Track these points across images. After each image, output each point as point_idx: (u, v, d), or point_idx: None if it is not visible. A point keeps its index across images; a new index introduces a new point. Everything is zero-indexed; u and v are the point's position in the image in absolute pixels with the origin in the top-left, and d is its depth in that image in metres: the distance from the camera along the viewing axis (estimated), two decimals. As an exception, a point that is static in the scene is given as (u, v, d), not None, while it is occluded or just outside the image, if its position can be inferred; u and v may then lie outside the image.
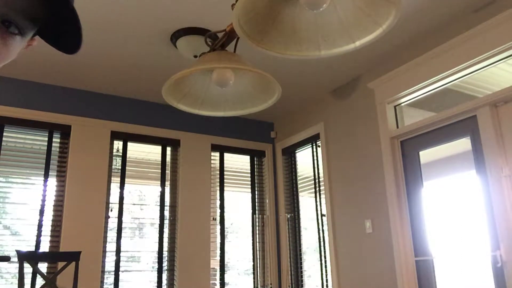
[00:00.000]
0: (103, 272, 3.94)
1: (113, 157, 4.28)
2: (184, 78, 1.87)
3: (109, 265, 4.00)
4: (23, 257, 3.28)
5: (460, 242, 3.15)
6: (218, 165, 4.86)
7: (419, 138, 3.46)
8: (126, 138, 4.35)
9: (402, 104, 3.71)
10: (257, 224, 4.89)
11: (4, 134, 3.80)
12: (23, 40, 0.57)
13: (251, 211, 4.92)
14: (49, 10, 0.57)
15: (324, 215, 4.33)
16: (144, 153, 4.47)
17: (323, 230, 4.38)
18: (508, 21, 2.79)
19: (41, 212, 3.83)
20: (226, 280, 4.54)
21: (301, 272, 4.63)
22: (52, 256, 3.78)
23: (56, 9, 0.57)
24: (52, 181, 3.95)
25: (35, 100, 3.95)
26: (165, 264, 4.29)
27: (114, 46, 3.40)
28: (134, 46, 3.40)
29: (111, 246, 4.04)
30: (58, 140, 4.04)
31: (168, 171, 4.52)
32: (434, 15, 3.10)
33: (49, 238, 3.81)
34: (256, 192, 5.01)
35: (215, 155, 4.86)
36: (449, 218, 3.25)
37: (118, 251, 4.05)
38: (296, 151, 4.94)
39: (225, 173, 4.88)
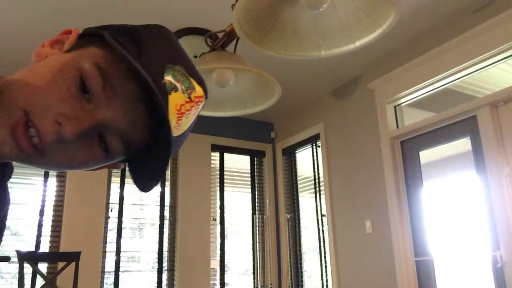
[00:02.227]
0: (103, 272, 3.94)
1: (113, 157, 4.28)
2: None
3: (109, 265, 4.00)
4: (23, 257, 3.28)
5: (460, 242, 3.15)
6: (218, 165, 4.86)
7: (419, 138, 3.46)
8: (126, 138, 4.35)
9: (402, 104, 3.71)
10: (257, 224, 4.89)
11: (4, 134, 3.80)
12: (106, 159, 0.56)
13: (251, 211, 4.92)
14: (147, 146, 0.56)
15: (324, 215, 4.33)
16: (144, 153, 4.47)
17: (323, 230, 4.38)
18: (508, 21, 2.79)
19: (41, 212, 3.83)
20: (226, 280, 4.54)
21: (301, 272, 4.63)
22: (52, 256, 3.78)
23: (155, 149, 0.55)
24: (52, 181, 3.95)
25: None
26: (165, 264, 4.29)
27: (114, 46, 3.40)
28: (134, 46, 3.40)
29: (111, 246, 4.04)
30: (58, 140, 4.04)
31: (168, 171, 4.52)
32: (434, 15, 3.10)
33: (49, 238, 3.81)
34: (256, 192, 5.01)
35: (215, 155, 4.86)
36: (449, 218, 3.25)
37: (118, 251, 4.05)
38: (296, 151, 4.94)
39: (225, 173, 4.88)
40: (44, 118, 0.49)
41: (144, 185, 0.56)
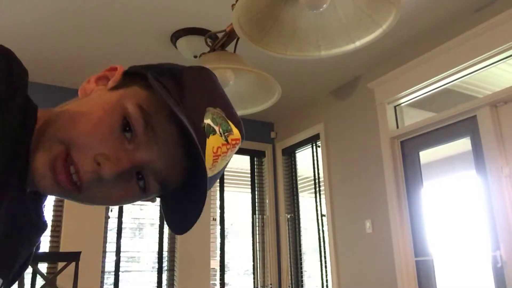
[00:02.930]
0: (103, 272, 3.94)
1: (113, 157, 4.28)
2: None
3: (109, 265, 4.00)
4: (23, 257, 3.28)
5: (460, 242, 3.15)
6: (218, 165, 4.85)
7: (419, 138, 3.45)
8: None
9: (402, 104, 3.71)
10: (257, 225, 4.89)
11: (4, 134, 3.79)
12: (143, 197, 0.56)
13: (251, 211, 4.92)
14: (183, 186, 0.56)
15: (324, 215, 4.33)
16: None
17: (323, 230, 4.38)
18: (509, 21, 2.79)
19: (41, 212, 3.83)
20: (226, 280, 4.54)
21: (301, 272, 4.63)
22: (52, 256, 3.78)
23: (190, 189, 0.56)
24: (52, 181, 3.95)
25: (35, 100, 3.94)
26: (165, 264, 4.28)
27: (114, 46, 3.40)
28: (134, 46, 3.40)
29: (111, 246, 4.04)
30: (58, 140, 4.04)
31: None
32: (434, 15, 3.09)
33: (49, 238, 3.81)
34: (256, 192, 5.01)
35: (215, 155, 4.85)
36: (449, 218, 3.25)
37: (118, 251, 4.05)
38: (296, 151, 4.94)
39: (225, 173, 4.87)
40: (85, 156, 0.50)
41: (177, 226, 0.58)
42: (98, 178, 0.50)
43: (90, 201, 0.54)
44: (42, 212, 0.60)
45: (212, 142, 0.55)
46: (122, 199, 0.55)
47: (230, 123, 0.58)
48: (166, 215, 0.59)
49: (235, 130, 0.59)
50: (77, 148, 0.50)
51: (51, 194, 0.53)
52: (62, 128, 0.51)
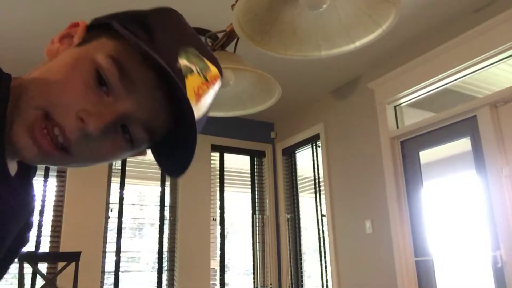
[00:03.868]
0: (103, 272, 3.94)
1: (113, 157, 4.28)
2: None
3: (109, 265, 4.00)
4: (23, 257, 3.28)
5: (460, 242, 3.15)
6: (218, 165, 4.86)
7: (419, 138, 3.45)
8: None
9: (402, 105, 3.70)
10: (257, 225, 4.89)
11: (4, 134, 3.79)
12: (132, 150, 0.55)
13: (251, 211, 4.92)
14: (171, 130, 0.55)
15: (324, 215, 4.33)
16: (144, 153, 4.46)
17: (323, 230, 4.38)
18: (509, 21, 2.79)
19: (41, 212, 3.83)
20: (226, 281, 4.54)
21: (301, 272, 4.63)
22: (52, 257, 3.78)
23: (179, 136, 0.54)
24: (52, 181, 3.95)
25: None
26: (165, 264, 4.28)
27: (114, 46, 3.40)
28: (134, 46, 3.40)
29: (111, 246, 4.04)
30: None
31: (168, 171, 4.51)
32: (434, 15, 3.09)
33: (49, 238, 3.81)
34: (256, 192, 5.01)
35: (215, 156, 4.86)
36: (449, 218, 3.25)
37: (118, 251, 4.05)
38: (296, 151, 4.94)
39: (225, 173, 4.87)
40: (67, 116, 0.48)
41: (172, 171, 0.56)
42: (85, 135, 0.49)
43: (80, 162, 0.53)
44: (32, 183, 0.59)
45: (192, 82, 0.53)
46: (112, 155, 0.54)
47: (206, 60, 0.57)
48: (160, 163, 0.58)
49: (212, 67, 0.57)
50: (57, 110, 0.48)
51: (41, 163, 0.51)
52: (36, 95, 0.49)
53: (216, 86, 0.59)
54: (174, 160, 0.56)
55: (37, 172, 0.65)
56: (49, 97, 0.49)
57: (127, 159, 4.31)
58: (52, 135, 0.48)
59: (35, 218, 3.79)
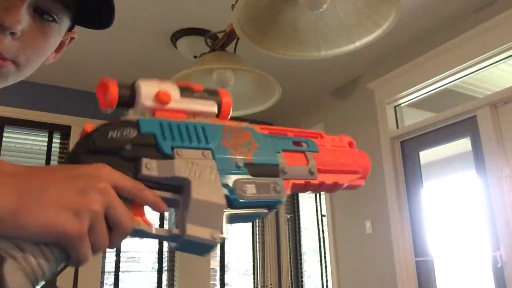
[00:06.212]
0: (103, 272, 3.94)
1: (113, 158, 4.27)
2: (184, 79, 1.87)
3: (109, 265, 4.00)
4: (23, 257, 3.28)
5: (460, 243, 3.15)
6: (218, 165, 4.85)
7: (419, 138, 3.45)
8: (126, 138, 4.35)
9: (402, 105, 3.70)
10: (257, 224, 4.89)
11: (4, 134, 3.79)
12: (60, 29, 0.56)
13: (251, 211, 4.91)
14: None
15: (324, 216, 4.33)
16: (144, 153, 4.46)
17: (323, 231, 4.38)
18: (509, 21, 2.79)
19: (41, 213, 3.83)
20: (226, 281, 4.54)
21: (301, 272, 4.63)
22: (52, 257, 3.77)
23: None
24: (52, 182, 3.95)
25: (35, 101, 3.95)
26: (165, 264, 4.28)
27: (114, 46, 3.40)
28: (134, 46, 3.40)
29: (111, 247, 4.03)
30: (58, 141, 4.03)
31: (168, 172, 4.51)
32: (434, 15, 3.09)
33: (49, 239, 3.81)
34: (256, 192, 5.00)
35: (215, 156, 4.85)
36: (449, 218, 3.25)
37: (118, 252, 4.05)
38: (296, 152, 4.93)
39: (225, 173, 4.87)
40: None
41: (100, 24, 0.61)
42: (13, 37, 0.50)
43: (27, 64, 0.54)
44: None
45: None
46: (49, 42, 0.55)
47: None
48: (88, 26, 0.61)
49: None
50: None
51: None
52: None
53: None
54: (100, 15, 0.60)
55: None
56: None
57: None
58: None
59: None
